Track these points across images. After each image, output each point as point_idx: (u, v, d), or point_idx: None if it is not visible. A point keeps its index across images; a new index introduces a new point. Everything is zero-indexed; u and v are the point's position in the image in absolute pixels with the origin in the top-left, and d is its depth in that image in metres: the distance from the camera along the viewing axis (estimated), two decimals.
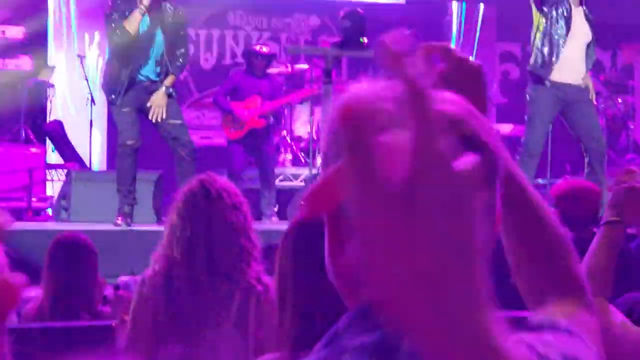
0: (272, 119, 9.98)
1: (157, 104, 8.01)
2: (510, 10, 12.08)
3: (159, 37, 8.03)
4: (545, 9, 8.68)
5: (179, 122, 8.15)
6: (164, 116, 8.01)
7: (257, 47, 10.15)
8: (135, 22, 7.87)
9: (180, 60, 8.16)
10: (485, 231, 0.98)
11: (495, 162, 1.11)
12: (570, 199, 5.27)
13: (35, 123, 10.89)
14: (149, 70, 8.06)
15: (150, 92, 8.03)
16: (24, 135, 10.34)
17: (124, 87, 7.95)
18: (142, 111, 8.08)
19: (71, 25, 11.79)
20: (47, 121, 11.12)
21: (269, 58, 10.03)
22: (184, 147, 8.09)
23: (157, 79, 8.07)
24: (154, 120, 8.03)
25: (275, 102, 9.87)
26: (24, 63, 11.38)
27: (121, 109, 8.01)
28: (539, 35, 8.71)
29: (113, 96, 8.02)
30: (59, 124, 11.00)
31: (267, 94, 9.78)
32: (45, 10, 11.59)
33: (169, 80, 8.08)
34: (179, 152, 8.08)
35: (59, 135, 10.83)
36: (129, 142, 7.99)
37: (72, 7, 11.73)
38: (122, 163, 8.09)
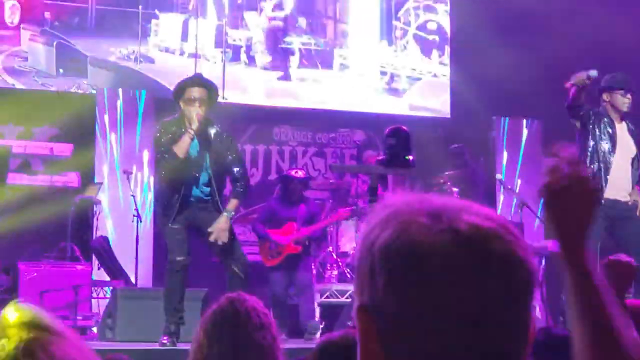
0: (308, 243, 10.05)
1: (221, 228, 7.98)
2: (556, 125, 12.07)
3: (207, 161, 8.06)
4: (589, 126, 8.68)
5: (231, 237, 8.12)
6: (225, 240, 7.98)
7: (293, 172, 10.28)
8: (185, 146, 7.91)
9: (240, 182, 8.16)
10: None
11: None
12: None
13: (81, 239, 10.94)
14: (198, 192, 8.08)
15: (200, 209, 8.04)
16: (70, 252, 10.38)
17: (175, 210, 7.96)
18: (192, 227, 8.08)
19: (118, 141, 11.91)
20: (94, 237, 11.17)
21: (305, 182, 10.15)
22: (236, 262, 8.02)
23: (207, 198, 8.08)
24: (218, 242, 7.99)
25: (311, 228, 9.92)
26: (71, 180, 11.50)
27: (171, 225, 8.01)
28: (586, 153, 8.70)
29: (165, 218, 8.04)
30: (104, 240, 11.04)
31: (303, 218, 9.88)
32: (93, 127, 11.74)
33: (232, 205, 8.07)
34: (231, 267, 8.01)
35: (104, 252, 10.85)
36: (179, 259, 7.96)
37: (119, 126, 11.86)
38: (170, 280, 8.03)
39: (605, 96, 8.84)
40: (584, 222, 1.64)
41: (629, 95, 8.77)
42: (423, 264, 1.25)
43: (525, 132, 13.21)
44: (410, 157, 8.51)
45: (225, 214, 7.96)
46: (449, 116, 13.58)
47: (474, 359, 1.26)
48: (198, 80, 8.26)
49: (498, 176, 11.28)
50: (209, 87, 8.15)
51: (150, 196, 11.00)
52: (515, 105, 13.06)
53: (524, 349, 1.31)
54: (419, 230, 1.27)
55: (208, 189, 8.07)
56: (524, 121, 13.27)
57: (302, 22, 13.17)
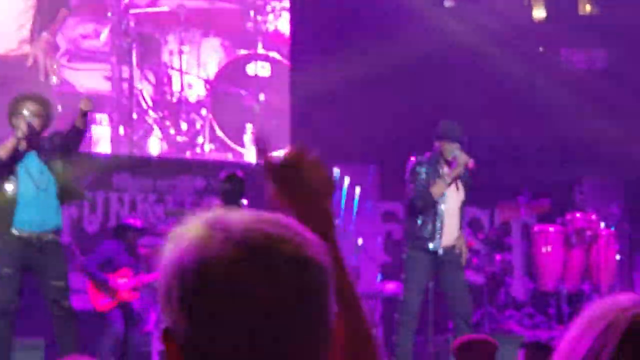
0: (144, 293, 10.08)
1: None
2: (392, 170, 12.36)
3: None
4: (424, 170, 8.94)
5: (62, 283, 8.07)
6: None
7: (131, 221, 10.33)
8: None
9: None
10: None
11: None
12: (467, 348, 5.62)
13: None
14: None
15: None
16: None
17: None
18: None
19: None
20: None
21: (141, 231, 10.18)
22: (61, 309, 7.98)
23: None
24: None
25: (149, 276, 9.93)
26: None
27: None
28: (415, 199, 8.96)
29: None
30: None
31: (139, 266, 9.92)
32: None
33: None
34: (56, 313, 7.98)
35: None
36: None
37: None
38: None
39: (437, 144, 9.13)
40: (319, 189, 1.69)
41: (456, 144, 9.05)
42: (209, 279, 1.26)
43: (363, 175, 13.48)
44: (245, 202, 8.66)
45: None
46: None
47: None
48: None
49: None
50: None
51: None
52: (351, 151, 13.29)
53: (325, 352, 1.30)
54: (206, 246, 1.27)
55: None
56: (363, 165, 13.54)
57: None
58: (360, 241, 10.64)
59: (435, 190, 8.85)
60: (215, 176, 12.13)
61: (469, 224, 12.65)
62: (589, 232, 11.31)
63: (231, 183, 8.64)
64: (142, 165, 13.00)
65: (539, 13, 14.47)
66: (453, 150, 8.97)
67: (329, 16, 13.64)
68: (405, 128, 12.75)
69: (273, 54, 13.71)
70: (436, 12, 13.87)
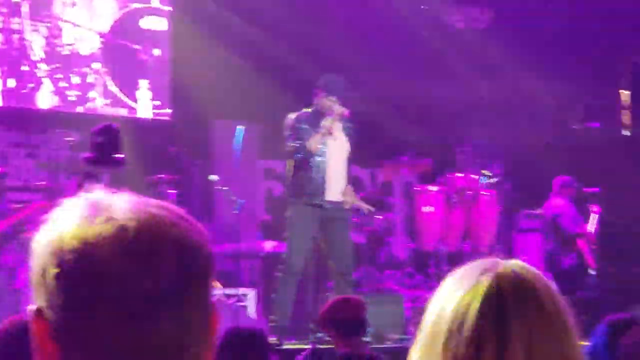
0: None
1: None
2: (272, 128, 12.21)
3: None
4: (304, 126, 8.78)
5: None
6: None
7: None
8: None
9: None
10: None
11: None
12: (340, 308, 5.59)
13: None
14: None
15: None
16: None
17: None
18: None
19: None
20: None
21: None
22: None
23: None
24: None
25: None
26: None
27: None
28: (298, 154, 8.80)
29: None
30: None
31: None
32: None
33: None
34: None
35: None
36: None
37: None
38: None
39: (317, 98, 8.97)
40: None
41: (334, 98, 8.90)
42: (89, 259, 1.23)
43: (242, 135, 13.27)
44: (121, 156, 8.34)
45: None
46: (169, 118, 13.43)
47: (149, 352, 1.24)
48: None
49: (213, 178, 11.22)
50: None
51: None
52: (232, 109, 13.11)
53: (206, 339, 1.29)
54: (88, 226, 1.25)
55: None
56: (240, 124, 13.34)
57: None
58: (238, 199, 10.41)
59: (311, 143, 8.69)
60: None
61: (350, 183, 12.59)
62: (469, 192, 11.33)
63: (105, 136, 8.29)
64: (18, 119, 12.56)
65: None
66: (331, 104, 8.82)
67: None
68: (286, 85, 12.60)
69: (168, 8, 13.35)
70: None
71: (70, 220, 1.26)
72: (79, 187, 7.92)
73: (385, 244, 11.82)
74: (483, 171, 11.63)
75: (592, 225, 11.98)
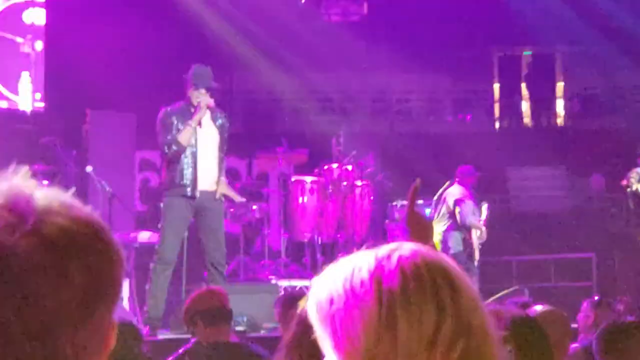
0: None
1: None
2: (149, 118, 12.15)
3: None
4: (174, 119, 8.78)
5: None
6: None
7: None
8: None
9: None
10: None
11: None
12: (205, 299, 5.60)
13: None
14: None
15: None
16: None
17: None
18: None
19: None
20: None
21: None
22: None
23: None
24: None
25: None
26: None
27: None
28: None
29: None
30: None
31: None
32: None
33: None
34: None
35: None
36: None
37: None
38: None
39: (188, 91, 8.97)
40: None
41: (203, 91, 8.89)
42: (4, 266, 1.20)
43: (119, 124, 13.19)
44: None
45: None
46: (42, 108, 13.25)
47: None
48: None
49: (89, 169, 11.13)
50: None
51: None
52: (108, 98, 13.00)
53: (103, 348, 1.27)
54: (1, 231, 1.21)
55: None
56: (118, 114, 13.26)
57: None
58: (109, 188, 10.33)
59: (182, 137, 8.70)
60: None
61: (225, 173, 12.64)
62: (345, 183, 11.47)
63: None
64: None
65: None
66: (199, 96, 8.83)
67: None
68: (163, 76, 12.55)
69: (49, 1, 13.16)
70: None
71: None
72: None
73: (261, 234, 11.89)
74: (357, 162, 11.78)
75: (483, 217, 12.33)
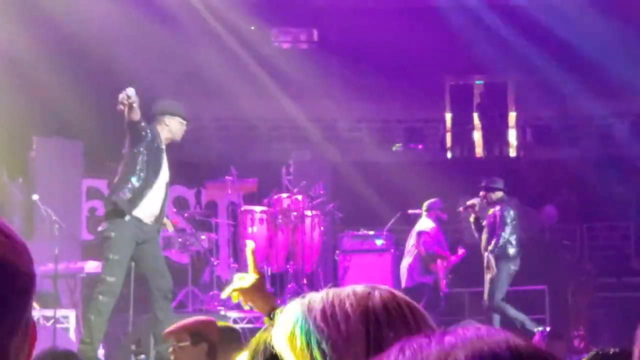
0: None
1: None
2: (96, 146, 11.97)
3: None
4: (137, 150, 8.62)
5: None
6: None
7: None
8: None
9: None
10: None
11: None
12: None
13: None
14: None
15: None
16: None
17: None
18: None
19: None
20: None
21: None
22: None
23: None
24: None
25: None
26: None
27: None
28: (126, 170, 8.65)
29: None
30: None
31: None
32: None
33: None
34: None
35: None
36: None
37: None
38: None
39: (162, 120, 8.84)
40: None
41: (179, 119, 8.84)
42: None
43: (66, 151, 12.98)
44: None
45: None
46: None
47: None
48: None
49: (35, 197, 10.92)
50: None
51: None
52: (56, 125, 12.81)
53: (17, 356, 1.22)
54: None
55: None
56: (65, 141, 13.06)
57: None
58: (56, 217, 10.12)
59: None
60: None
61: (174, 203, 12.46)
62: (294, 213, 11.37)
63: None
64: None
65: None
66: (176, 124, 8.78)
67: None
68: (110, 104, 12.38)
69: None
70: None
71: None
72: None
73: (210, 264, 11.72)
74: (307, 192, 11.68)
75: (455, 258, 12.53)
